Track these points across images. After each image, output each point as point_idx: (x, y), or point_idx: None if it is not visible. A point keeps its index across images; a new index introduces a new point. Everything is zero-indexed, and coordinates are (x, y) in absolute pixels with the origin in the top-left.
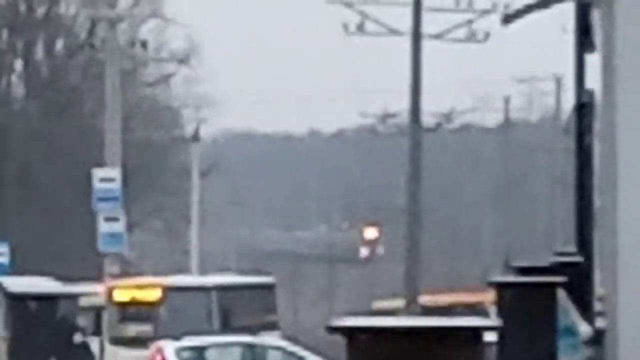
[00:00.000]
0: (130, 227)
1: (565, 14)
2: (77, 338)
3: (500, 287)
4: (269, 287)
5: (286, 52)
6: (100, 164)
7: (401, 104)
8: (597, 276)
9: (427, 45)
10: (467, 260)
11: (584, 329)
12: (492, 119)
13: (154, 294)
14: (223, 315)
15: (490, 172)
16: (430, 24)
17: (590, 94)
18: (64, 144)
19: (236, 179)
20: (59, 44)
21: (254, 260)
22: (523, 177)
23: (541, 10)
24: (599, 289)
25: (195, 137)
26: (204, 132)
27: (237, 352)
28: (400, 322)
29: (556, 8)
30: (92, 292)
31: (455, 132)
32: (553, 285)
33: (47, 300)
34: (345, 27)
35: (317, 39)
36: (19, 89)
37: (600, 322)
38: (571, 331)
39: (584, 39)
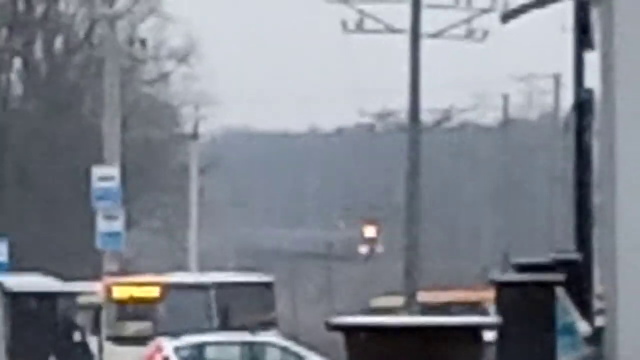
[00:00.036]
0: (129, 225)
1: (564, 12)
2: (76, 336)
3: (500, 285)
4: (267, 285)
5: (285, 50)
6: (99, 162)
7: (400, 103)
8: (597, 274)
9: (425, 43)
10: (466, 259)
11: (583, 327)
12: (491, 117)
13: (153, 292)
14: (222, 313)
15: (489, 171)
16: (428, 22)
17: (590, 92)
18: (63, 142)
19: (235, 177)
20: (58, 43)
21: (253, 259)
22: (522, 175)
23: (540, 8)
24: (598, 287)
25: (194, 135)
26: (203, 130)
27: (235, 349)
28: (399, 320)
29: (555, 6)
30: (91, 290)
31: (454, 131)
32: (552, 283)
33: (46, 298)
34: (344, 24)
35: (316, 38)
36: (17, 88)
37: (599, 320)
38: (570, 329)
39: (583, 37)
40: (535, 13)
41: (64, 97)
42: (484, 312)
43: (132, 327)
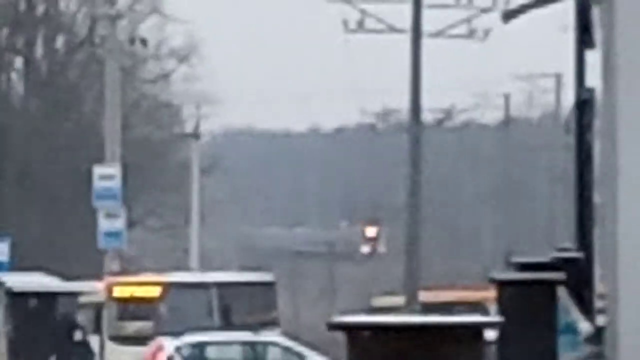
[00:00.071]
0: (130, 224)
1: (565, 12)
2: (77, 335)
3: (501, 284)
4: (269, 285)
5: (286, 50)
6: (100, 161)
7: (401, 102)
8: (598, 273)
9: (426, 43)
10: (467, 258)
11: (584, 327)
12: (492, 116)
13: (154, 292)
14: (223, 312)
15: (490, 170)
16: (430, 21)
17: (591, 91)
18: (64, 141)
19: (236, 177)
20: (59, 42)
21: (254, 258)
22: (523, 175)
23: (541, 7)
24: (599, 286)
25: (196, 135)
26: (204, 130)
27: (237, 349)
28: (400, 320)
29: (556, 5)
30: (92, 289)
31: (455, 130)
32: (553, 282)
33: (47, 297)
34: (345, 24)
35: (317, 37)
36: (18, 87)
37: (600, 320)
38: (571, 329)
39: (584, 37)
40: (536, 12)
41: (65, 97)
42: (485, 312)
43: (133, 327)
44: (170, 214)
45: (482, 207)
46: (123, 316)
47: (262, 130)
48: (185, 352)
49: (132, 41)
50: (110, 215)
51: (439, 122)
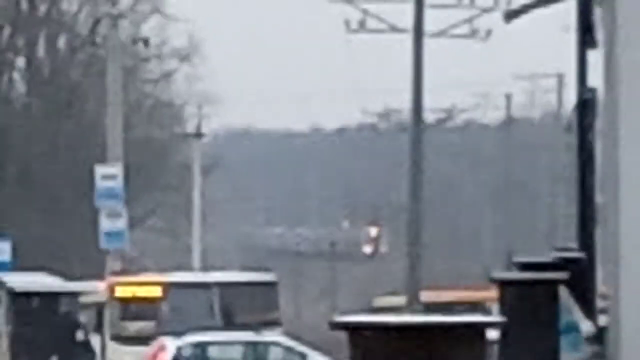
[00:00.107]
0: (132, 224)
1: (567, 12)
2: (79, 335)
3: (502, 284)
4: (271, 284)
5: (288, 50)
6: (102, 161)
7: (402, 102)
8: (599, 273)
9: (428, 43)
10: (468, 258)
11: (586, 326)
12: (494, 116)
13: (156, 291)
14: (225, 312)
15: (492, 170)
16: (431, 21)
17: (593, 91)
18: (65, 141)
19: (238, 177)
20: (61, 42)
21: (256, 258)
22: (524, 174)
23: (543, 7)
24: (601, 286)
25: (198, 134)
26: (205, 129)
27: (239, 349)
28: (402, 319)
29: (558, 5)
30: (93, 289)
31: (456, 130)
32: (555, 282)
33: (49, 297)
34: (347, 24)
35: (318, 37)
36: (20, 87)
37: (602, 319)
38: (573, 328)
39: (586, 37)
40: (538, 12)
41: (67, 96)
42: (487, 312)
43: (135, 326)
44: (172, 213)
45: (483, 207)
46: (125, 316)
47: (263, 130)
48: (187, 352)
49: (134, 41)
50: (112, 215)
51: (441, 122)
